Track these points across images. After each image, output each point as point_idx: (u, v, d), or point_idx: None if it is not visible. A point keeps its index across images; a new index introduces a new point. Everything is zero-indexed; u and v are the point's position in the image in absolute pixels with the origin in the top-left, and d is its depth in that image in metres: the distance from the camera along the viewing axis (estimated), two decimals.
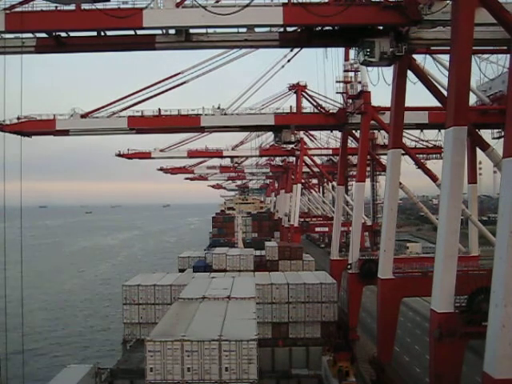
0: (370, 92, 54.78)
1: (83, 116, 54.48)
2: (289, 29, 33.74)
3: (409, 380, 41.07)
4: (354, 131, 62.25)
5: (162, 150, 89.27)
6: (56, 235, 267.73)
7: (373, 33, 33.36)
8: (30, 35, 33.34)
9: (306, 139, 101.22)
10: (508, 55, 27.92)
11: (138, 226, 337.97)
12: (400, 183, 45.98)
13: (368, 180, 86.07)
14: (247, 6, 28.92)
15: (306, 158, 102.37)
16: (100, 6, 29.46)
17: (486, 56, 46.21)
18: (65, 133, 57.31)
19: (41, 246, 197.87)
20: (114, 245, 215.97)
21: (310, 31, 33.40)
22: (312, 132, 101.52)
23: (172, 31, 33.19)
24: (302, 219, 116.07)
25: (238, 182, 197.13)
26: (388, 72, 38.87)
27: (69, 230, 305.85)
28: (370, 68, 38.03)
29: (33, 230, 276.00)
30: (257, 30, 33.15)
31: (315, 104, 65.44)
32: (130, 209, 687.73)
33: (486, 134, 50.53)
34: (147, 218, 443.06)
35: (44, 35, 33.57)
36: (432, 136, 69.57)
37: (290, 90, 76.03)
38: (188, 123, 58.11)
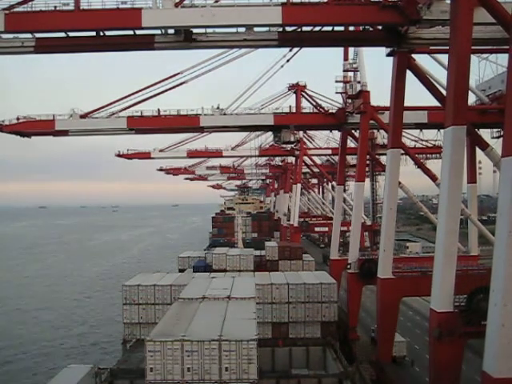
0: (369, 92, 54.89)
1: (82, 116, 54.50)
2: (288, 28, 33.73)
3: (409, 379, 41.11)
4: (353, 131, 62.35)
5: (161, 150, 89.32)
6: (78, 232, 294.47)
7: None
8: (29, 35, 33.33)
9: (304, 140, 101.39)
10: (507, 54, 27.91)
11: (152, 225, 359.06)
12: (399, 183, 46.02)
13: (367, 180, 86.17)
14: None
15: (305, 158, 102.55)
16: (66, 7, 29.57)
17: (485, 55, 46.24)
18: (64, 133, 57.36)
19: (71, 241, 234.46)
20: (129, 240, 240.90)
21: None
22: (311, 133, 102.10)
23: (171, 31, 33.20)
24: (302, 219, 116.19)
25: (238, 182, 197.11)
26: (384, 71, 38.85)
27: (86, 228, 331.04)
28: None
29: (56, 228, 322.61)
30: (256, 29, 33.14)
31: (314, 104, 65.46)
32: (142, 208, 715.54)
33: (486, 134, 50.63)
34: (158, 218, 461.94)
35: (43, 35, 33.57)
36: (432, 136, 69.70)
37: (289, 89, 75.99)
38: (187, 123, 58.18)
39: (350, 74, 66.56)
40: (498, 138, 48.46)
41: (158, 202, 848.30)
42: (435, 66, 44.85)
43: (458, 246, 34.25)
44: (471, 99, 51.89)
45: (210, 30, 33.05)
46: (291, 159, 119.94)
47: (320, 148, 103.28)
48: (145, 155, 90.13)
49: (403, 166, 51.00)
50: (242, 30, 32.73)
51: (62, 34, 33.38)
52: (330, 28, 33.96)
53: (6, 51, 34.14)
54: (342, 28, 36.51)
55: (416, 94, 52.40)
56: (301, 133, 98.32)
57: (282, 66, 58.45)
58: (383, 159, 67.81)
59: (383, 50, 39.19)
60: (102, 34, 33.12)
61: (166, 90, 49.69)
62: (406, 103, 41.67)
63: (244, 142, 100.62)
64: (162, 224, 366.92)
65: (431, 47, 40.47)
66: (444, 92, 34.60)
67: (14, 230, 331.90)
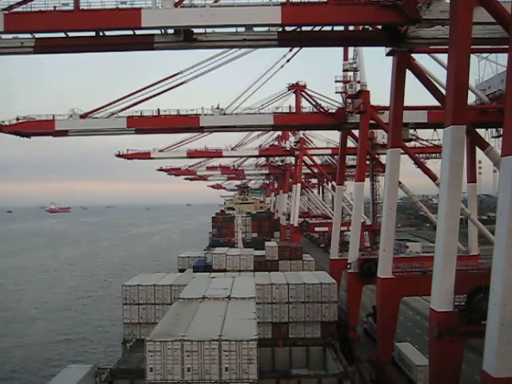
0: (368, 91, 54.91)
1: (82, 116, 54.40)
2: (287, 28, 33.69)
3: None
4: (353, 131, 62.34)
5: (161, 151, 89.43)
6: (107, 228, 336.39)
7: None
8: (29, 35, 33.31)
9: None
10: (506, 54, 27.90)
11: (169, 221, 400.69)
12: (399, 182, 45.99)
13: (368, 179, 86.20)
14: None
15: (305, 158, 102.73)
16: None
17: (484, 55, 46.22)
18: (64, 133, 57.29)
19: (105, 234, 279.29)
20: (153, 232, 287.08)
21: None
22: (310, 137, 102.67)
23: (171, 31, 33.19)
24: (302, 219, 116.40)
25: (238, 182, 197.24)
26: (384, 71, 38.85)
27: (112, 224, 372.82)
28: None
29: (86, 225, 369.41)
30: (255, 29, 33.13)
31: (314, 104, 65.46)
32: (159, 208, 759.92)
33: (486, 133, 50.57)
34: (175, 216, 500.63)
35: (43, 35, 33.55)
36: (431, 135, 69.54)
37: (289, 89, 75.98)
38: (187, 123, 58.11)
39: (350, 73, 66.61)
40: (498, 137, 48.46)
41: (173, 201, 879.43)
42: (435, 66, 44.95)
43: (457, 245, 34.24)
44: (471, 99, 51.93)
45: (209, 30, 33.03)
46: (290, 159, 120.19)
47: (320, 148, 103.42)
48: (144, 155, 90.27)
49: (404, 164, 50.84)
50: (242, 29, 32.74)
51: (62, 34, 33.39)
52: (329, 28, 33.96)
53: (5, 51, 34.11)
54: (341, 28, 36.56)
55: (416, 94, 52.51)
56: (301, 133, 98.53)
57: (282, 66, 58.47)
58: (383, 159, 67.81)
59: (383, 50, 39.21)
60: (101, 34, 33.13)
61: (166, 90, 49.66)
62: (406, 103, 41.66)
63: (244, 142, 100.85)
64: (180, 221, 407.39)
65: (431, 47, 40.46)
66: (444, 91, 34.59)
67: (50, 225, 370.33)
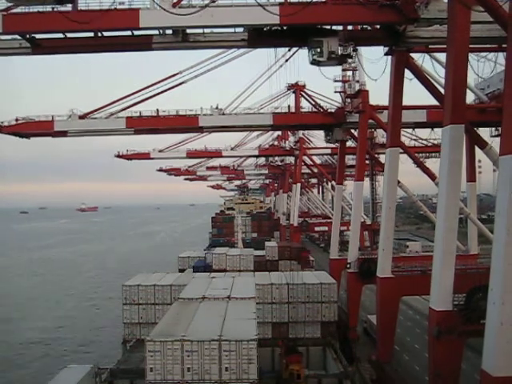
0: (367, 91, 54.95)
1: (81, 117, 54.39)
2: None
3: (408, 379, 41.11)
4: (352, 130, 62.37)
5: (161, 151, 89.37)
6: (116, 227, 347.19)
7: (321, 32, 33.01)
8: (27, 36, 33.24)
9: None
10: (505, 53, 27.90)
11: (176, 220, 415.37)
12: (398, 182, 46.01)
13: (367, 179, 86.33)
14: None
15: (305, 157, 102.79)
16: (64, 7, 29.46)
17: (483, 54, 46.17)
18: (63, 134, 57.24)
19: (115, 232, 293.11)
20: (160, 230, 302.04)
21: (258, 32, 32.83)
22: (310, 136, 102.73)
23: (169, 31, 33.17)
24: (302, 218, 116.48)
25: (238, 182, 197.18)
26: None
27: (120, 223, 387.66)
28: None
29: (99, 224, 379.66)
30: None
31: (314, 103, 65.47)
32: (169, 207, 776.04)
33: (485, 132, 50.61)
34: (179, 215, 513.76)
35: (40, 36, 33.48)
36: (433, 134, 69.61)
37: (288, 89, 76.00)
38: (186, 123, 58.08)
39: (349, 73, 66.61)
40: (497, 136, 48.46)
41: (176, 201, 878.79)
42: (434, 65, 44.92)
43: (457, 244, 34.25)
44: (470, 98, 51.96)
45: (207, 30, 32.99)
46: (290, 159, 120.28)
47: (320, 148, 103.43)
48: (144, 156, 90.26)
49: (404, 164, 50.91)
50: (240, 30, 32.70)
51: (60, 35, 33.33)
52: (327, 27, 33.88)
53: (3, 52, 34.07)
54: (340, 27, 36.51)
55: (415, 94, 52.52)
56: (300, 132, 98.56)
57: (280, 66, 58.44)
58: (383, 158, 67.77)
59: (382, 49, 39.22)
60: (99, 34, 33.08)
61: (165, 91, 49.56)
62: (405, 102, 41.69)
63: (243, 142, 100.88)
64: (184, 220, 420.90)
65: (430, 46, 40.47)
66: (443, 91, 34.60)
67: (61, 225, 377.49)
